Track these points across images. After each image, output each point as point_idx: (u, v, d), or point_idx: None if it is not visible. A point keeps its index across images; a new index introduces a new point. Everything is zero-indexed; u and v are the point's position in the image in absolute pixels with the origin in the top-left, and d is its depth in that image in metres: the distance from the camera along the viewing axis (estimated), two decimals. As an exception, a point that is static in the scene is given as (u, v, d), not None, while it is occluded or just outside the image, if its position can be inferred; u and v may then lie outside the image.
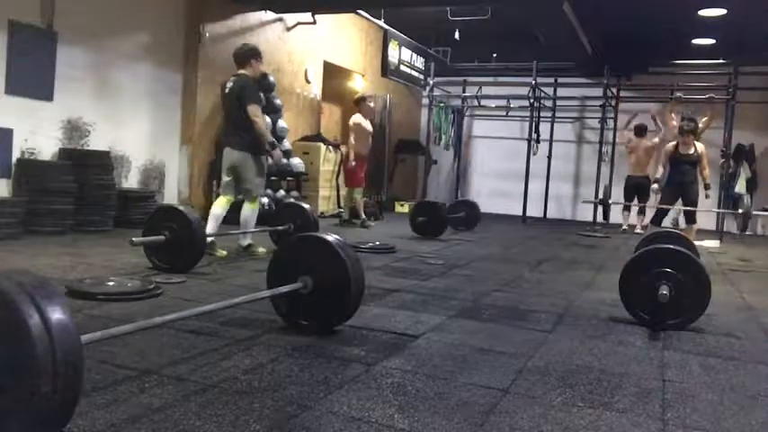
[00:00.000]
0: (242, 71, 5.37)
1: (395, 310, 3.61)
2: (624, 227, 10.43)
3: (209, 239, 5.01)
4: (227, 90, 5.37)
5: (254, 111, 5.22)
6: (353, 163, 8.55)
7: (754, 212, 7.66)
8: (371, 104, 9.09)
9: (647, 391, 2.46)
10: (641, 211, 10.23)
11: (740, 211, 7.47)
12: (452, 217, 8.77)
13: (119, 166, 6.96)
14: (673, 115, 9.78)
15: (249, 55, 5.40)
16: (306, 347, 2.74)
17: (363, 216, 8.77)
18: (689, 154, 7.96)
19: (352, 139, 8.50)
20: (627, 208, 10.38)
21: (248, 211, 5.44)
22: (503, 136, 13.60)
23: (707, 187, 7.78)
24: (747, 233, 7.31)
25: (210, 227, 5.23)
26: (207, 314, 2.95)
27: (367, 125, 8.63)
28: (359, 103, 8.70)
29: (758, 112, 11.35)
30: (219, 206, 5.38)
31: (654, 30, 10.10)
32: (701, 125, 9.57)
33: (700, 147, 8.12)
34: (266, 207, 7.52)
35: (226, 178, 5.45)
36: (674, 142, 8.22)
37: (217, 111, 8.18)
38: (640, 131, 10.26)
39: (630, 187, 10.21)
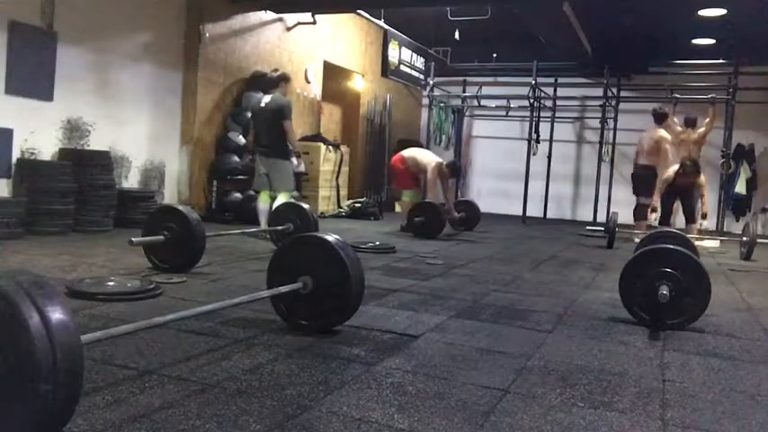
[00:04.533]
0: (275, 90, 6.54)
1: (395, 310, 3.61)
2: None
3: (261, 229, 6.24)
4: (262, 105, 6.49)
5: (289, 126, 6.45)
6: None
7: (759, 241, 7.46)
8: None
9: (647, 391, 2.46)
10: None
11: (745, 239, 7.38)
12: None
13: (119, 166, 6.96)
14: (675, 119, 9.74)
15: (281, 78, 6.64)
16: (306, 347, 2.74)
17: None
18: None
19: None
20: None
21: (280, 201, 6.24)
22: (503, 136, 13.59)
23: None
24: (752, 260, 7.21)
25: (262, 222, 6.34)
26: (207, 314, 2.95)
27: None
28: None
29: (758, 112, 11.34)
30: (263, 202, 6.50)
31: (654, 30, 10.10)
32: (702, 128, 9.57)
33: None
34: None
35: (260, 177, 6.54)
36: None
37: (217, 111, 8.20)
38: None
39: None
